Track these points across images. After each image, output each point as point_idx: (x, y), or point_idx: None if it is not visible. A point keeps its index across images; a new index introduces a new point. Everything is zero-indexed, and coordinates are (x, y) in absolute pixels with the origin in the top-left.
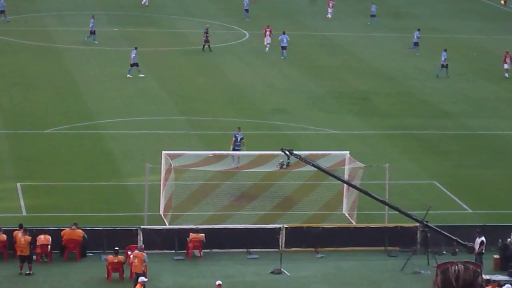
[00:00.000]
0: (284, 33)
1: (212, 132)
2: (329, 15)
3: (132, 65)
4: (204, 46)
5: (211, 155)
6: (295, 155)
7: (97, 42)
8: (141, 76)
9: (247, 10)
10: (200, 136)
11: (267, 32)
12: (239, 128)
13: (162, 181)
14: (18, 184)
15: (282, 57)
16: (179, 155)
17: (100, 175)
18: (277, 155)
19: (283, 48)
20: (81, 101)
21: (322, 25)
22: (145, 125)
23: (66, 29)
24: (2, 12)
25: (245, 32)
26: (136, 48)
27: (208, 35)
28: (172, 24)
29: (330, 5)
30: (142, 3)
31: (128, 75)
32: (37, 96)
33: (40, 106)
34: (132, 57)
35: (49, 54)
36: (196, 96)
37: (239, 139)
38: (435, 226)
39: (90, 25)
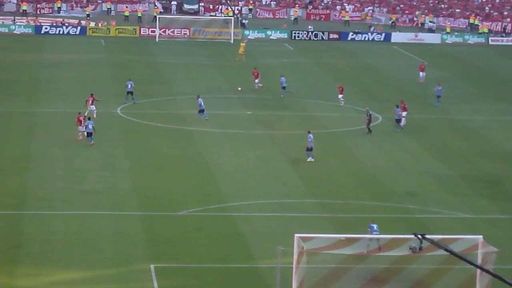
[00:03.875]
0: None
1: (343, 215)
2: (342, 103)
3: (308, 149)
4: (368, 127)
5: (343, 239)
6: (428, 239)
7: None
8: (311, 160)
9: (284, 87)
10: (331, 219)
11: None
12: (372, 220)
13: (294, 263)
14: (152, 266)
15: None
16: (311, 238)
17: (232, 257)
18: (409, 239)
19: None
20: (213, 184)
21: (453, 109)
22: (277, 208)
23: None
24: (130, 93)
25: (378, 115)
26: (309, 132)
27: (370, 116)
28: (303, 107)
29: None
30: (256, 87)
31: (310, 159)
32: (171, 178)
33: (173, 188)
34: (309, 141)
35: (181, 137)
36: (327, 179)
37: (375, 227)
38: None
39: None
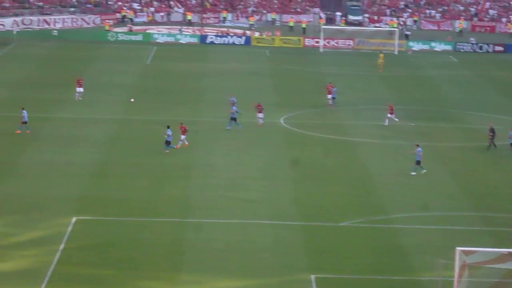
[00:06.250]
0: None
1: (506, 229)
2: (386, 122)
3: (417, 163)
4: (490, 144)
5: (506, 253)
6: None
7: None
8: (414, 174)
9: None
10: (493, 233)
11: None
12: None
13: (455, 277)
14: (312, 276)
15: None
16: (473, 251)
17: (392, 270)
18: None
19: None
20: (375, 195)
21: None
22: (438, 220)
23: (361, 123)
24: (234, 119)
25: None
26: (418, 146)
27: (492, 133)
28: (466, 119)
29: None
30: (330, 103)
31: (415, 173)
32: (332, 188)
33: (334, 198)
34: (419, 154)
35: (343, 147)
36: (489, 192)
37: None
38: None
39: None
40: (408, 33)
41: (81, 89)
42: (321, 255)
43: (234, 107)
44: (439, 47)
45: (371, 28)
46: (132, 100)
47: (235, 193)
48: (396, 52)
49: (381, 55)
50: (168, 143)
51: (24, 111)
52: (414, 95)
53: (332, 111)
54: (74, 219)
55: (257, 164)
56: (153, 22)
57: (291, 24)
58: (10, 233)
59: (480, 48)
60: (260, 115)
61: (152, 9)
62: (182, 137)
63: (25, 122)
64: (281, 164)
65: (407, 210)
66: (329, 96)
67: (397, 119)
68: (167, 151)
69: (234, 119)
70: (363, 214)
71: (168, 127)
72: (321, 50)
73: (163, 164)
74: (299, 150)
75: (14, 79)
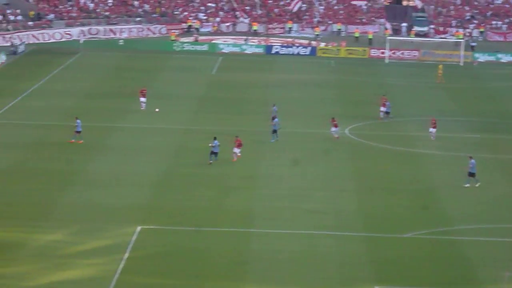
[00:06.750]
0: None
1: None
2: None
3: (470, 174)
4: None
5: None
6: None
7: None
8: (470, 186)
9: None
10: None
11: None
12: None
13: None
14: None
15: None
16: None
17: (456, 282)
18: None
19: None
20: (440, 207)
21: None
22: (504, 233)
23: (424, 134)
24: (275, 132)
25: None
26: (471, 158)
27: None
28: None
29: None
30: (380, 116)
31: (467, 185)
32: (396, 199)
33: (399, 210)
34: (470, 166)
35: (408, 159)
36: None
37: None
38: None
39: None
40: (474, 44)
41: (144, 99)
42: (385, 267)
43: (276, 119)
44: (505, 58)
45: (436, 39)
46: (157, 110)
47: (300, 204)
48: (461, 64)
49: (440, 66)
50: (215, 154)
51: (78, 120)
52: (479, 106)
53: (398, 123)
54: (139, 228)
55: (321, 175)
56: (218, 32)
57: (357, 34)
58: (75, 241)
59: None
60: (336, 129)
61: (218, 19)
62: (237, 150)
63: (79, 132)
64: (346, 175)
65: (471, 222)
66: (383, 109)
67: (434, 132)
68: (211, 161)
69: (275, 131)
70: (427, 226)
71: (215, 138)
72: (387, 61)
73: (227, 174)
74: (364, 161)
75: (80, 88)
